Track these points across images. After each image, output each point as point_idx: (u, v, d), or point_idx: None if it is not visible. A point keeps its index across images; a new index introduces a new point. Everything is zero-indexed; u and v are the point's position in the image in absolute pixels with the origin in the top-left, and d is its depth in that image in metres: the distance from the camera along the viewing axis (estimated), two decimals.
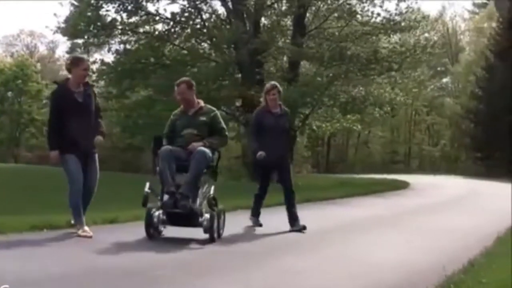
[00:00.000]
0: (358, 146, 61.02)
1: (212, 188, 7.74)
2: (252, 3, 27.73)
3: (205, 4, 29.30)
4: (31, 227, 7.81)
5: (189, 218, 7.52)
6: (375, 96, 28.84)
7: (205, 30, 29.03)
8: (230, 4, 28.46)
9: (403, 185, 25.67)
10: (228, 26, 28.59)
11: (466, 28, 62.33)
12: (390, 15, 28.59)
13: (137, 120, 29.41)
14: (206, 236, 7.58)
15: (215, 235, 7.54)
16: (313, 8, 28.87)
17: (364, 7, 28.76)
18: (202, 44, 30.34)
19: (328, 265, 6.64)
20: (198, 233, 7.60)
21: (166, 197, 7.48)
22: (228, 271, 5.98)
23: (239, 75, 28.79)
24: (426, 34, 32.88)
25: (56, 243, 7.04)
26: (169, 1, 28.36)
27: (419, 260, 7.18)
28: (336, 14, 28.84)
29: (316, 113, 30.21)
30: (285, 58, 30.35)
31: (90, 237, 7.34)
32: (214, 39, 28.58)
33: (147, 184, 7.60)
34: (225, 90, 28.28)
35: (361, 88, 28.93)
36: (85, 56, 8.18)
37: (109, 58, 31.00)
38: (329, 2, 28.77)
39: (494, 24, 52.94)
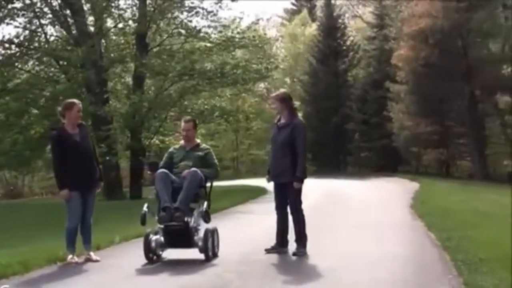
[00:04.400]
0: None
1: (205, 204, 8.40)
2: (94, 26, 28.25)
3: (52, 27, 29.28)
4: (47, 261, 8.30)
5: (185, 237, 8.14)
6: (221, 108, 30.22)
7: (51, 53, 28.78)
8: (73, 27, 28.61)
9: (263, 190, 26.42)
10: (70, 48, 28.66)
11: (280, 35, 65.20)
12: (232, 32, 30.45)
13: None
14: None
15: (210, 253, 8.21)
16: (154, 26, 29.68)
17: (202, 24, 30.37)
18: (49, 67, 29.99)
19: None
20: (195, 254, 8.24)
21: (162, 213, 8.14)
22: None
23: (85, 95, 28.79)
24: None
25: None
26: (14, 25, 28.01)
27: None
28: (173, 31, 30.23)
29: (162, 127, 30.98)
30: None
31: (75, 263, 8.18)
32: (61, 62, 28.63)
33: (145, 204, 8.30)
34: None
35: (205, 101, 30.25)
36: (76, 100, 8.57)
37: None
38: (168, 21, 29.97)
39: (307, 31, 56.72)
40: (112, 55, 29.24)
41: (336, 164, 45.65)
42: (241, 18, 35.54)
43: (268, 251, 8.58)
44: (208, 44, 30.14)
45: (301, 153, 8.44)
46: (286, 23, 66.10)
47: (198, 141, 9.04)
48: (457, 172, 39.48)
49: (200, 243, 8.14)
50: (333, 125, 44.21)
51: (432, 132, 34.10)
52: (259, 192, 24.28)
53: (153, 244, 8.23)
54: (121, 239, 10.41)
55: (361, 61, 46.36)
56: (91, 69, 27.12)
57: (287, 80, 60.35)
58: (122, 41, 30.02)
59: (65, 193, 8.26)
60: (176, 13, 30.01)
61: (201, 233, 8.22)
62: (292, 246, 8.58)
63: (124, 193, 28.39)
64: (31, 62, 30.21)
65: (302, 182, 8.43)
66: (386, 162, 40.59)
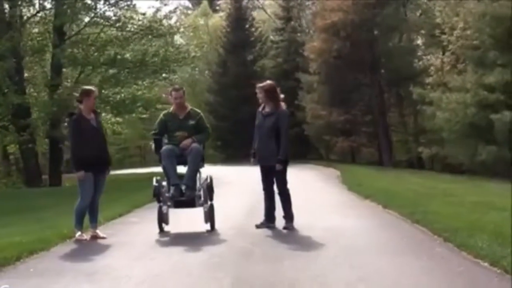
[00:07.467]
0: None
1: (209, 178, 9.47)
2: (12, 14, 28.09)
3: None
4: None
5: (191, 203, 9.33)
6: (143, 97, 30.65)
7: None
8: None
9: None
10: None
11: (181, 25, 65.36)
12: (150, 21, 30.94)
13: None
14: (207, 227, 9.36)
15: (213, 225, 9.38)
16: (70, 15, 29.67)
17: (119, 13, 30.60)
18: None
19: None
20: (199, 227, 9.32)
21: (172, 188, 9.15)
22: None
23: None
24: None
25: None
26: None
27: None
28: (91, 20, 30.43)
29: None
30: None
31: (86, 239, 8.94)
32: None
33: (154, 179, 9.37)
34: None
35: (122, 90, 30.57)
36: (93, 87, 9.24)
37: None
38: (86, 10, 30.10)
39: (211, 21, 57.46)
40: (29, 43, 29.04)
41: (245, 152, 46.49)
42: (158, 8, 35.58)
43: (258, 226, 9.52)
44: (125, 33, 30.42)
45: (285, 139, 9.33)
46: (188, 12, 66.42)
47: (189, 107, 9.77)
48: (361, 159, 41.50)
49: (205, 210, 9.29)
50: (243, 114, 45.06)
51: (344, 121, 35.78)
52: None
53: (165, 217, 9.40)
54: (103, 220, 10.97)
55: (269, 52, 47.51)
56: (10, 58, 26.83)
57: (189, 70, 60.75)
58: (42, 30, 29.85)
59: (81, 174, 8.93)
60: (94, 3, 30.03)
61: (206, 205, 9.29)
62: (279, 222, 9.53)
63: (44, 180, 28.47)
64: None
65: (284, 164, 9.37)
66: (295, 150, 41.83)
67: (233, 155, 45.22)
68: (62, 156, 30.87)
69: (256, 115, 9.71)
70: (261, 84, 9.63)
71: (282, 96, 9.61)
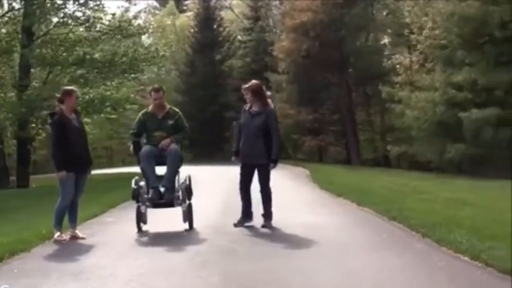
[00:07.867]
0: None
1: (188, 179, 9.49)
2: None
3: None
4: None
5: (170, 204, 9.33)
6: (112, 97, 30.44)
7: None
8: None
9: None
10: None
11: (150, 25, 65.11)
12: (119, 21, 30.80)
13: None
14: (186, 226, 9.37)
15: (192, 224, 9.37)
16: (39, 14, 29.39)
17: (88, 13, 30.38)
18: None
19: None
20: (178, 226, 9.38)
21: (151, 191, 9.16)
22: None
23: None
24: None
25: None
26: None
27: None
28: (56, 20, 30.18)
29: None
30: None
31: (65, 240, 8.87)
32: None
33: (133, 181, 9.35)
34: None
35: (91, 90, 30.33)
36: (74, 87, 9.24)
37: None
38: (55, 11, 29.84)
39: (178, 21, 57.33)
40: None
41: (213, 151, 46.52)
42: (127, 8, 35.34)
43: (236, 225, 9.58)
44: (95, 33, 30.25)
45: (276, 138, 9.46)
46: (156, 12, 66.10)
47: (168, 106, 9.75)
48: (328, 158, 41.76)
49: (184, 209, 9.30)
50: (210, 113, 45.13)
51: (313, 120, 36.05)
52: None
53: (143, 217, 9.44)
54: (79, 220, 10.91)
55: (237, 51, 47.63)
56: None
57: (155, 69, 60.54)
58: (10, 30, 29.53)
59: (63, 174, 8.91)
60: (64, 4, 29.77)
61: (181, 197, 9.33)
62: (257, 220, 9.62)
63: (11, 182, 28.20)
64: None
65: (276, 163, 9.49)
66: None
67: (200, 154, 45.18)
68: (30, 157, 30.56)
69: (240, 114, 9.76)
70: (246, 85, 9.66)
71: (268, 93, 9.69)
